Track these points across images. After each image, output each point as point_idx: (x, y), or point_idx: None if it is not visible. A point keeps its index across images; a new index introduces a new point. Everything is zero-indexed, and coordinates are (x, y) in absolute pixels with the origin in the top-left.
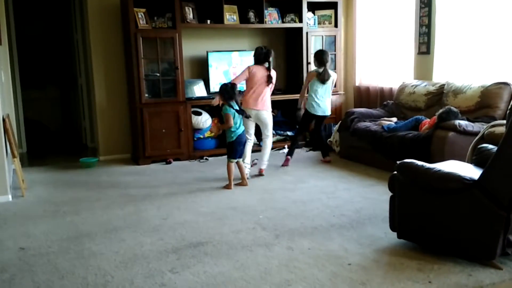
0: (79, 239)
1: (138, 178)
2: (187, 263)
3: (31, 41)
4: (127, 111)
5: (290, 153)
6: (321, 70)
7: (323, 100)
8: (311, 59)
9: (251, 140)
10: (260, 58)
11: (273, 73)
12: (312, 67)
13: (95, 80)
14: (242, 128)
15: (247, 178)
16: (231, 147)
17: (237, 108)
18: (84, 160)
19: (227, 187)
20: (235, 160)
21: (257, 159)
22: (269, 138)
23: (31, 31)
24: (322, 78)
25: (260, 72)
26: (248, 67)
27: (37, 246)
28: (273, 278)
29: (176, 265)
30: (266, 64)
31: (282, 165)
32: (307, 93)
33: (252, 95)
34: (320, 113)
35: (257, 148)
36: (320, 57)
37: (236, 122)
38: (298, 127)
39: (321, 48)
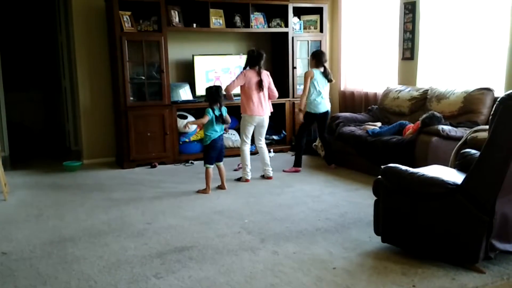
0: (62, 243)
1: (123, 182)
2: (171, 268)
3: (14, 43)
4: (111, 114)
5: (298, 163)
6: (322, 69)
7: (324, 97)
8: (297, 63)
9: (249, 143)
10: (251, 61)
11: (265, 75)
12: (298, 71)
13: (79, 83)
14: (219, 134)
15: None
16: (205, 152)
17: (218, 113)
18: (68, 163)
19: (204, 191)
20: (211, 166)
21: (240, 164)
22: (263, 143)
23: (15, 33)
24: (326, 75)
25: (253, 77)
26: (243, 72)
27: (19, 250)
28: (258, 283)
29: (161, 270)
30: (257, 68)
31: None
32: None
33: (256, 102)
34: (322, 110)
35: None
36: (320, 57)
37: (213, 126)
38: (299, 132)
39: (306, 52)
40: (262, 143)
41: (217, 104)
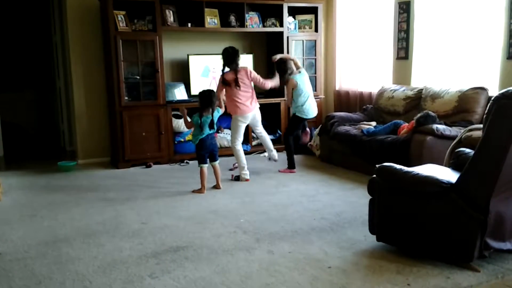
0: (57, 244)
1: (118, 182)
2: (167, 268)
3: (8, 43)
4: (106, 114)
5: (291, 165)
6: (300, 71)
7: (311, 102)
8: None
9: (240, 141)
10: (228, 60)
11: (243, 72)
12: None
13: (73, 83)
14: (207, 133)
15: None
16: (196, 152)
17: (209, 119)
18: (63, 163)
19: (199, 191)
20: (205, 165)
21: (237, 162)
22: (263, 131)
23: (9, 33)
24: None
25: (231, 76)
26: (220, 78)
27: (14, 251)
28: (253, 282)
29: (156, 270)
30: (234, 66)
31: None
32: (294, 99)
33: (241, 100)
34: (312, 115)
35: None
36: (280, 68)
37: (202, 128)
38: (286, 134)
39: (301, 52)
40: (260, 130)
41: (209, 110)
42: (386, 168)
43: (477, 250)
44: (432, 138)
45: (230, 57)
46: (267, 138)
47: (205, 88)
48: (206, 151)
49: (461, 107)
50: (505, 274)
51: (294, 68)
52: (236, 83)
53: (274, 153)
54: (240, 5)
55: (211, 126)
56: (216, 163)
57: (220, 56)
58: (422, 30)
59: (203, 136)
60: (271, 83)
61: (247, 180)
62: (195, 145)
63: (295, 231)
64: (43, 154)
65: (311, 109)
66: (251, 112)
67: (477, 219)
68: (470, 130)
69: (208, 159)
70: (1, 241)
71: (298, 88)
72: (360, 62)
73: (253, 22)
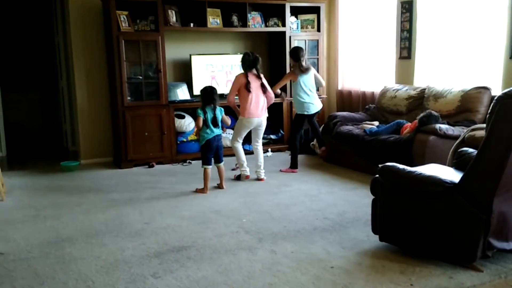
0: (60, 244)
1: (120, 182)
2: (169, 268)
3: (11, 44)
4: (109, 114)
5: (294, 165)
6: (308, 73)
7: (313, 96)
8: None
9: (240, 142)
10: (248, 65)
11: (264, 79)
12: None
13: (76, 83)
14: (214, 134)
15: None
16: (201, 153)
17: (211, 116)
18: (65, 163)
19: (202, 191)
20: (209, 167)
21: (237, 164)
22: (260, 144)
23: (12, 33)
24: (304, 69)
25: (254, 80)
26: (239, 76)
27: (17, 251)
28: (256, 282)
29: (159, 270)
30: (255, 71)
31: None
32: (293, 95)
33: (254, 105)
34: (314, 111)
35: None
36: (295, 54)
37: (209, 127)
38: (292, 134)
39: (304, 52)
40: (258, 144)
41: (210, 105)
42: (389, 168)
43: (480, 250)
44: (435, 138)
45: (250, 63)
46: (261, 154)
47: (207, 85)
48: (211, 153)
49: (464, 107)
50: (508, 274)
51: (304, 65)
52: (262, 88)
53: (262, 172)
54: (242, 5)
55: (215, 124)
56: (221, 164)
57: (240, 60)
58: (425, 29)
59: (210, 137)
60: (272, 99)
61: (247, 176)
62: (200, 146)
63: (298, 231)
64: (45, 154)
65: (312, 105)
66: (258, 118)
67: (480, 219)
68: (473, 129)
69: (212, 160)
70: (4, 241)
71: (298, 81)
72: (362, 62)
73: (255, 22)
